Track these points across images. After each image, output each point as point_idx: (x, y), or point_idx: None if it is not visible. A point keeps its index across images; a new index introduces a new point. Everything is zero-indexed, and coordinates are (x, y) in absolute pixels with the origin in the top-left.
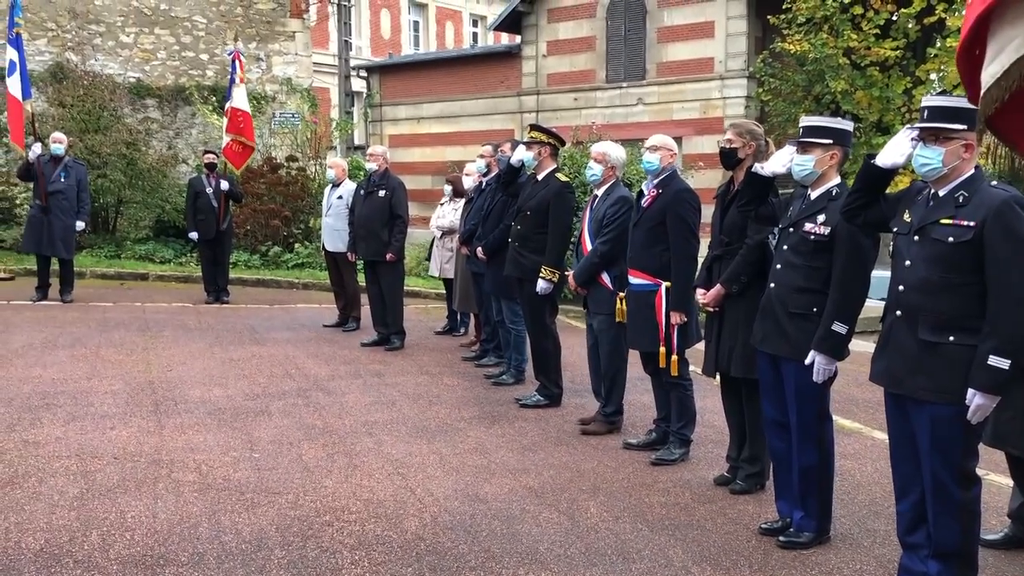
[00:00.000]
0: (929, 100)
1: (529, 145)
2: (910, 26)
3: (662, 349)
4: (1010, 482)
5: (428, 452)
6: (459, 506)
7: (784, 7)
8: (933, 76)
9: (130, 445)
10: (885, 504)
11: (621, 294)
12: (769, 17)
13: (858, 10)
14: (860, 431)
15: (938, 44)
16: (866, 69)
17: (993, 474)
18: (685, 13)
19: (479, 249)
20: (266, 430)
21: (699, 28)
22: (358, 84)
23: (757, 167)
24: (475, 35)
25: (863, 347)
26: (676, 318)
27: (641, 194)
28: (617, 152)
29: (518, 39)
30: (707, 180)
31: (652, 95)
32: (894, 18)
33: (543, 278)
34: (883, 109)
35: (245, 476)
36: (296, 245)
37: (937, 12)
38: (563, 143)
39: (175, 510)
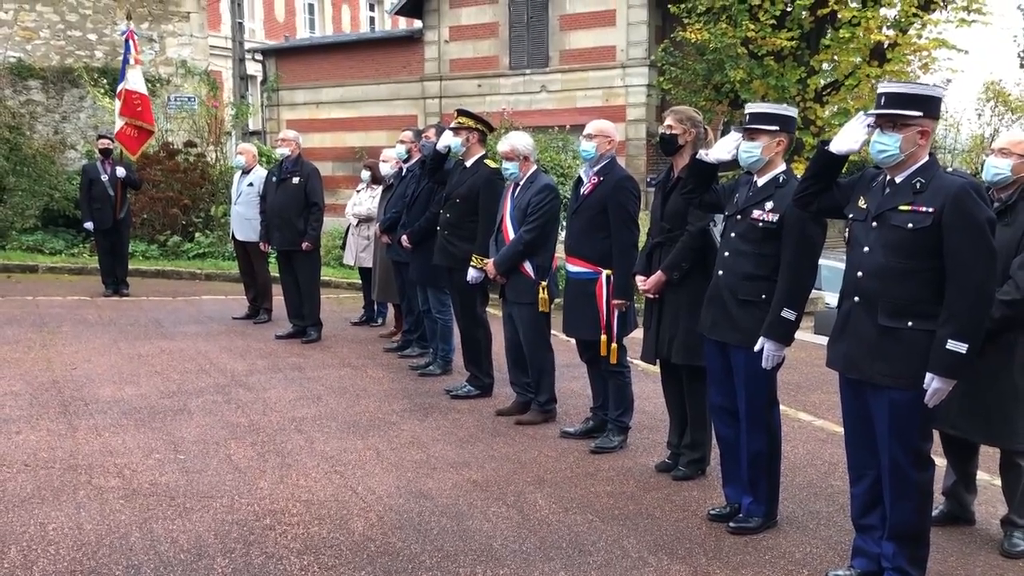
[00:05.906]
0: (886, 86)
1: (457, 131)
2: (804, 17)
3: (603, 337)
4: (943, 461)
5: (363, 448)
6: (404, 504)
7: None
8: (825, 66)
9: (41, 450)
10: (822, 485)
11: (543, 283)
12: (670, 6)
13: (755, 0)
14: (786, 414)
15: (830, 35)
16: (763, 59)
17: None
18: (587, 1)
19: (404, 238)
20: (188, 430)
21: (600, 16)
22: (252, 68)
23: (702, 154)
24: (372, 19)
25: None
26: (617, 305)
27: (580, 181)
28: (523, 141)
29: (417, 24)
30: None
31: (555, 82)
32: (789, 9)
33: (474, 266)
34: (779, 98)
35: (173, 480)
36: (197, 234)
37: (830, 4)
38: (492, 129)
39: (101, 519)
